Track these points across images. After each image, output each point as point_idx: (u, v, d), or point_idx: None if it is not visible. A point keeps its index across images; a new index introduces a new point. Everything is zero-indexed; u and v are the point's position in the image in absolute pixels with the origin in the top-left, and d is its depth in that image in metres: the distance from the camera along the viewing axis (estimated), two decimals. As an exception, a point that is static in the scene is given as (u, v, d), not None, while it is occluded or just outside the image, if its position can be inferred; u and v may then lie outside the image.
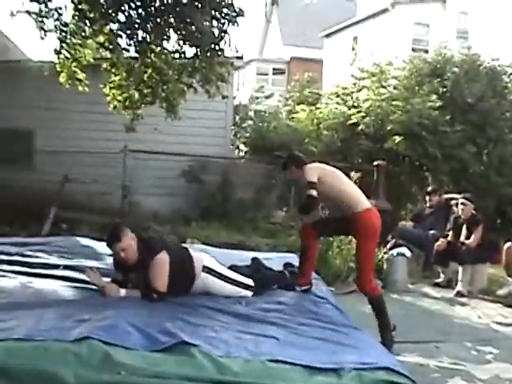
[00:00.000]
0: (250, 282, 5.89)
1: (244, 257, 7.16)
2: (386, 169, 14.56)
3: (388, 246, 11.77)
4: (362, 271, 6.62)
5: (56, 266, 6.34)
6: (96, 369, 3.69)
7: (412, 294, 10.87)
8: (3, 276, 5.88)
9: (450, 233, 11.62)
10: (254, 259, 6.78)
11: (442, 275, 11.66)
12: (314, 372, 3.92)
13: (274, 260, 7.50)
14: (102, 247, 7.14)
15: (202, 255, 5.74)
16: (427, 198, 13.02)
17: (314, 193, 6.31)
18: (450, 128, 17.42)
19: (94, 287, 5.63)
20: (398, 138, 16.42)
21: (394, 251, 11.36)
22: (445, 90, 18.64)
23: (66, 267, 6.30)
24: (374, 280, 6.81)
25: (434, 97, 17.40)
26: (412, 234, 12.47)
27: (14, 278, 5.85)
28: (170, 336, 4.19)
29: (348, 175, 12.49)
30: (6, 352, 3.76)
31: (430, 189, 13.48)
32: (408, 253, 11.42)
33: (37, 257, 6.82)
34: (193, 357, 3.90)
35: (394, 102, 17.52)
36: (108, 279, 5.55)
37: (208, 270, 5.64)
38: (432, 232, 11.98)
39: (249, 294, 5.79)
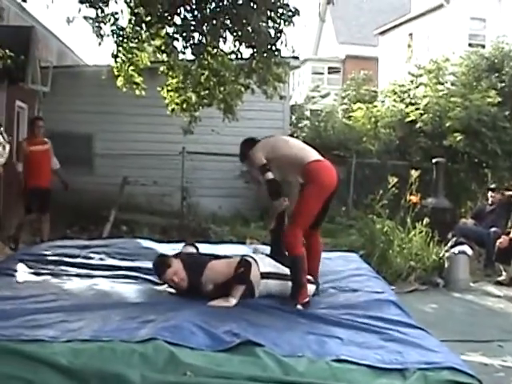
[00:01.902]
0: (309, 277, 5.84)
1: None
2: (445, 166, 14.44)
3: (449, 244, 11.64)
4: (294, 221, 5.74)
5: (119, 268, 6.40)
6: (162, 369, 3.70)
7: (474, 293, 10.76)
8: (67, 278, 5.96)
9: (513, 230, 11.50)
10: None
11: (504, 273, 11.53)
12: (379, 372, 3.87)
13: (335, 260, 7.46)
14: (163, 249, 7.20)
15: (257, 262, 5.65)
16: (489, 194, 12.88)
17: (270, 175, 5.79)
18: (510, 123, 17.20)
19: (156, 288, 5.71)
20: (458, 136, 16.26)
21: (456, 249, 11.25)
22: (503, 85, 18.42)
23: (129, 269, 6.35)
24: (301, 239, 5.77)
25: (492, 92, 17.21)
26: (473, 231, 12.34)
27: (77, 280, 5.92)
28: (235, 336, 4.19)
29: (407, 173, 12.52)
30: (73, 353, 3.79)
31: (491, 186, 13.31)
32: (469, 251, 11.30)
33: (100, 259, 6.89)
34: (257, 357, 3.89)
35: (452, 99, 17.40)
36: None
37: (266, 275, 5.60)
38: (493, 229, 11.85)
39: (312, 288, 5.75)
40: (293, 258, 5.61)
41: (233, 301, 5.20)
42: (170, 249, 6.37)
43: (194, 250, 6.16)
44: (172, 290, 5.54)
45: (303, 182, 5.80)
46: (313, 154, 5.90)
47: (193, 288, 5.39)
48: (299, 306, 5.36)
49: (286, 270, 5.69)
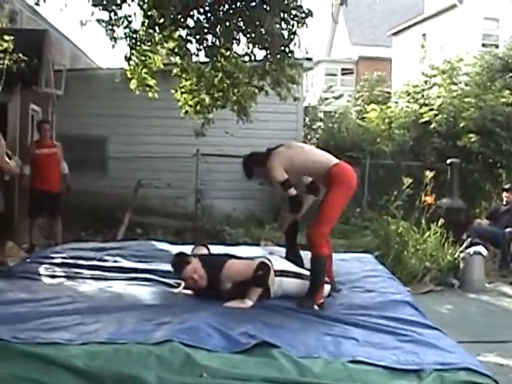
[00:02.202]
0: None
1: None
2: (459, 167, 14.41)
3: (464, 244, 11.60)
4: (321, 220, 5.68)
5: (134, 270, 6.41)
6: (178, 371, 3.71)
7: (489, 294, 10.74)
8: (82, 281, 5.98)
9: (528, 230, 11.46)
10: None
11: (519, 274, 11.49)
12: (395, 373, 3.87)
13: (350, 261, 7.46)
14: (177, 251, 7.20)
15: (271, 261, 5.65)
16: (503, 195, 12.84)
17: (293, 192, 5.76)
18: (525, 124, 17.17)
19: (171, 290, 5.72)
20: (473, 137, 16.23)
21: (471, 250, 11.22)
22: (517, 84, 18.37)
23: (144, 271, 6.37)
24: (327, 239, 5.85)
25: (506, 92, 17.17)
26: (488, 231, 12.32)
27: (93, 282, 5.94)
28: (251, 337, 4.19)
29: (421, 174, 12.50)
30: (89, 355, 3.80)
31: (506, 186, 13.26)
32: (484, 251, 11.27)
33: (114, 261, 6.91)
34: (273, 358, 3.89)
35: (466, 99, 17.38)
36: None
37: (280, 273, 5.59)
38: (508, 230, 11.83)
39: (327, 288, 5.74)
40: (316, 258, 5.59)
41: (249, 303, 5.20)
42: (184, 251, 6.37)
43: (206, 251, 6.16)
44: (188, 292, 5.54)
45: (326, 184, 5.79)
46: (333, 158, 5.93)
47: (211, 286, 5.39)
48: (316, 307, 5.37)
49: (301, 270, 5.70)
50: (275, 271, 5.53)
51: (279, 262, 5.68)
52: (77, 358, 3.75)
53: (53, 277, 6.13)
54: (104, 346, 3.96)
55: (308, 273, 5.69)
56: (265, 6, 10.49)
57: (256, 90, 12.19)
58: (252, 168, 6.02)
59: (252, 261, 5.53)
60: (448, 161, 14.26)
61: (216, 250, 6.52)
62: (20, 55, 12.31)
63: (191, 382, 3.61)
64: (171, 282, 5.82)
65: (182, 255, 5.74)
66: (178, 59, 12.29)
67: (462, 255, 11.37)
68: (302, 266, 5.80)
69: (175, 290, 5.74)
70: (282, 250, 6.26)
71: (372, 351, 4.19)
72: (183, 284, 5.68)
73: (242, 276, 5.33)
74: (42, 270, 6.39)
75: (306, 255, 5.80)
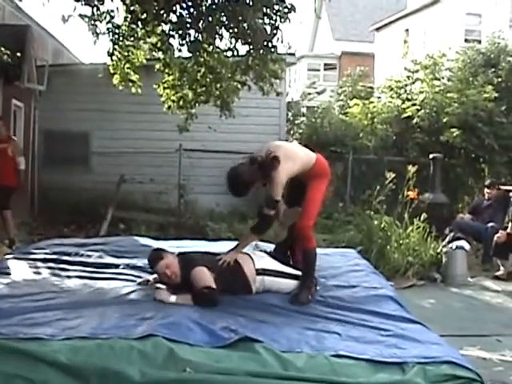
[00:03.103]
0: (299, 272, 5.85)
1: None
2: (442, 162, 14.44)
3: (447, 239, 11.64)
4: (307, 214, 5.68)
5: (116, 266, 6.39)
6: (161, 366, 3.72)
7: (472, 288, 10.78)
8: (65, 276, 5.96)
9: (510, 225, 11.49)
10: None
11: (502, 268, 11.54)
12: (378, 367, 3.89)
13: (333, 256, 7.46)
14: (160, 246, 7.19)
15: (253, 258, 5.65)
16: (485, 190, 12.89)
17: (273, 213, 5.58)
18: (506, 118, 17.23)
19: (138, 280, 5.77)
20: (455, 131, 16.29)
21: (453, 244, 11.26)
22: (499, 80, 18.45)
23: (127, 266, 6.35)
24: (313, 231, 5.85)
25: (488, 87, 17.24)
26: (470, 226, 12.36)
27: (75, 278, 5.91)
28: (233, 332, 4.21)
29: (404, 169, 12.53)
30: (72, 350, 3.81)
31: (488, 181, 13.31)
32: (467, 246, 11.31)
33: (97, 257, 6.88)
34: (256, 353, 3.91)
35: (448, 94, 17.45)
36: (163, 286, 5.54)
37: (262, 272, 5.58)
38: (491, 224, 11.87)
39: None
40: (308, 250, 5.67)
41: (171, 298, 5.12)
42: (167, 246, 6.35)
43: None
44: (161, 286, 5.50)
45: (307, 178, 5.75)
46: (311, 152, 5.93)
47: (184, 285, 5.36)
48: (310, 297, 5.40)
49: (285, 268, 5.70)
50: (257, 269, 5.53)
51: (263, 260, 5.66)
52: (60, 353, 3.75)
53: (35, 272, 6.10)
54: (87, 340, 3.97)
55: (292, 271, 5.72)
56: (248, 1, 10.50)
57: (239, 85, 12.19)
58: (252, 184, 5.61)
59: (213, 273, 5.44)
60: (430, 156, 14.28)
61: (199, 246, 6.51)
62: (2, 50, 12.24)
63: (174, 377, 3.61)
64: (153, 277, 5.81)
65: (158, 250, 5.74)
66: (160, 54, 12.27)
67: (444, 250, 11.40)
68: (287, 263, 5.81)
69: (138, 280, 5.74)
70: (266, 245, 6.25)
71: (355, 345, 4.21)
72: (154, 276, 5.66)
73: (198, 284, 5.28)
74: (24, 265, 6.36)
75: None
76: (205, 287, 5.12)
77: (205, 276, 5.23)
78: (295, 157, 5.69)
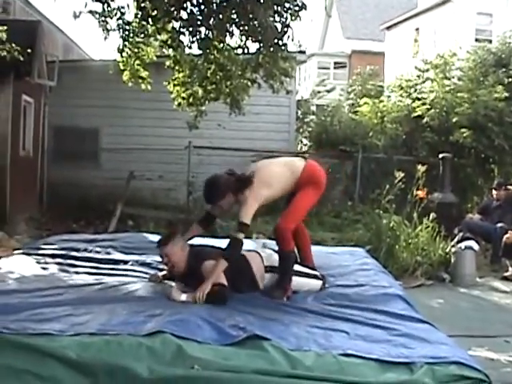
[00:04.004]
0: (317, 272, 5.87)
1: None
2: (451, 161, 14.42)
3: (455, 239, 11.62)
4: (288, 216, 5.69)
5: (125, 262, 6.40)
6: (169, 363, 3.72)
7: (480, 288, 10.76)
8: (74, 272, 5.97)
9: (519, 225, 11.48)
10: None
11: (510, 268, 11.52)
12: (386, 366, 3.88)
13: (342, 254, 7.46)
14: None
15: (262, 256, 5.66)
16: (493, 191, 12.85)
17: (241, 237, 5.43)
18: (517, 119, 17.19)
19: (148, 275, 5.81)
20: (466, 132, 16.26)
21: (462, 244, 11.24)
22: (510, 80, 18.38)
23: (135, 263, 6.36)
24: (302, 228, 6.03)
25: (499, 87, 17.17)
26: (479, 226, 12.32)
27: (84, 273, 5.92)
28: (241, 330, 4.21)
29: (413, 168, 12.51)
30: (81, 346, 3.81)
31: (496, 182, 13.25)
32: (476, 246, 11.29)
33: (106, 253, 6.89)
34: (265, 351, 3.90)
35: (458, 94, 17.40)
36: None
37: (271, 269, 5.60)
38: (500, 225, 11.83)
39: (319, 284, 5.75)
40: (287, 253, 5.63)
41: (182, 297, 5.10)
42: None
43: None
44: (172, 283, 5.48)
45: (297, 187, 5.75)
46: (298, 162, 5.90)
47: (190, 275, 5.35)
48: (285, 298, 5.41)
49: (295, 267, 5.72)
50: (266, 267, 5.55)
51: (271, 258, 5.68)
52: (68, 348, 3.76)
53: (44, 268, 6.11)
54: (95, 337, 3.98)
55: (301, 268, 5.73)
56: (258, -1, 10.49)
57: (249, 83, 12.18)
58: (225, 193, 5.62)
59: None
60: (440, 155, 14.26)
61: (208, 242, 6.51)
62: (13, 46, 12.26)
63: (182, 374, 3.61)
64: (162, 273, 5.81)
65: (169, 233, 5.75)
66: (170, 51, 12.26)
67: (453, 250, 11.39)
68: (295, 261, 5.83)
69: (147, 276, 5.79)
70: (274, 243, 6.24)
71: (363, 344, 4.20)
72: (164, 273, 5.68)
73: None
74: (32, 261, 6.38)
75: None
76: (216, 284, 5.13)
77: (216, 271, 5.23)
78: (272, 182, 5.67)
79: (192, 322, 4.30)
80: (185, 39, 11.59)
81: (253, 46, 11.28)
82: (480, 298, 10.16)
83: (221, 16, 10.80)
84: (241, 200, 5.55)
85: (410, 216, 11.81)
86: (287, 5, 10.73)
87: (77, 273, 5.93)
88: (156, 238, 8.03)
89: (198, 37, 11.25)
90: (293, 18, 10.81)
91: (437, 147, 16.68)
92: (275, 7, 10.62)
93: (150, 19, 11.48)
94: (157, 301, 4.95)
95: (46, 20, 20.06)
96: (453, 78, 19.17)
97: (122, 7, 11.49)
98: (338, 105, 23.65)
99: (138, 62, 12.28)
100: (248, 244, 6.71)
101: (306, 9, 10.82)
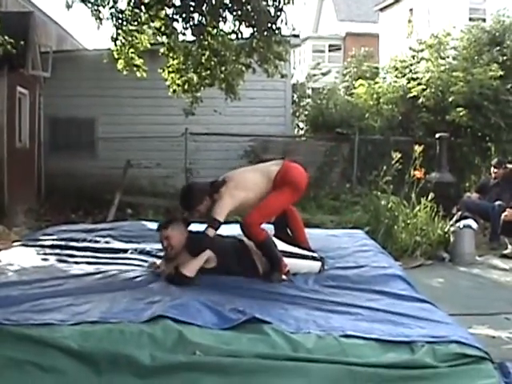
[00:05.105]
0: (315, 254, 5.88)
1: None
2: (448, 141, 14.42)
3: (454, 218, 11.63)
4: (258, 211, 5.62)
5: (124, 251, 6.41)
6: (171, 349, 3.73)
7: (480, 266, 10.77)
8: (73, 262, 5.97)
9: (517, 203, 11.49)
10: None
11: (509, 246, 11.52)
12: (387, 347, 3.88)
13: (341, 236, 7.47)
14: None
15: None
16: (492, 169, 12.85)
17: (212, 234, 5.43)
18: (512, 96, 17.18)
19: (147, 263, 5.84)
20: (462, 111, 16.26)
21: (461, 223, 11.24)
22: (505, 58, 18.35)
23: (135, 251, 6.36)
24: (292, 210, 6.11)
25: (494, 66, 17.16)
26: (478, 205, 12.33)
27: (84, 263, 5.93)
28: (241, 313, 4.23)
29: (410, 149, 12.51)
30: (82, 335, 3.82)
31: (495, 160, 13.25)
32: (474, 225, 11.29)
33: (105, 242, 6.90)
34: (266, 334, 3.91)
35: (453, 73, 17.38)
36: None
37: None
38: (498, 203, 11.84)
39: (318, 265, 5.76)
40: (260, 243, 5.59)
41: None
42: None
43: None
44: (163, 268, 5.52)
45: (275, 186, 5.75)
46: (273, 166, 5.89)
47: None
48: (284, 277, 5.45)
49: (293, 249, 5.73)
50: None
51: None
52: (70, 338, 3.76)
53: (44, 259, 6.12)
54: (96, 325, 3.98)
55: (299, 251, 5.76)
56: (251, -17, 10.46)
57: (243, 68, 12.17)
58: (202, 198, 5.63)
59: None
60: (437, 135, 14.26)
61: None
62: (6, 38, 12.22)
63: (185, 360, 3.62)
64: (160, 261, 5.82)
65: (174, 217, 5.82)
66: (164, 38, 12.25)
67: (452, 229, 11.39)
68: (292, 243, 5.85)
69: (146, 264, 5.81)
70: (271, 227, 6.24)
71: (364, 325, 4.21)
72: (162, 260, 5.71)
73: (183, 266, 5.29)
74: (32, 252, 6.39)
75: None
76: (178, 273, 5.17)
77: (192, 266, 5.23)
78: (247, 185, 5.71)
79: (191, 306, 4.32)
80: (178, 26, 11.60)
81: (246, 31, 11.30)
82: (480, 276, 10.17)
83: (214, 1, 10.79)
84: (216, 199, 5.56)
85: (408, 196, 11.81)
86: (280, -12, 10.72)
87: (76, 263, 5.93)
88: (155, 225, 8.09)
89: (191, 23, 11.25)
90: (286, 1, 10.79)
91: (433, 127, 16.69)
92: (268, -9, 10.61)
93: (142, 7, 11.47)
94: (156, 288, 4.97)
95: (39, 11, 19.96)
96: (447, 57, 19.14)
97: (115, -5, 11.48)
98: (334, 87, 23.63)
99: (132, 50, 12.28)
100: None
101: (298, -8, 10.80)
